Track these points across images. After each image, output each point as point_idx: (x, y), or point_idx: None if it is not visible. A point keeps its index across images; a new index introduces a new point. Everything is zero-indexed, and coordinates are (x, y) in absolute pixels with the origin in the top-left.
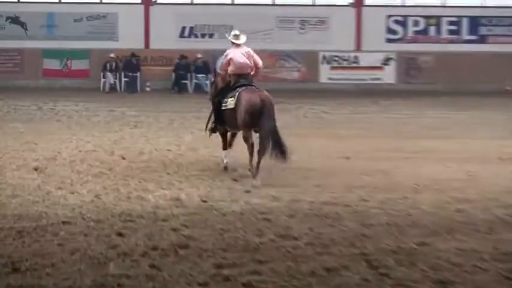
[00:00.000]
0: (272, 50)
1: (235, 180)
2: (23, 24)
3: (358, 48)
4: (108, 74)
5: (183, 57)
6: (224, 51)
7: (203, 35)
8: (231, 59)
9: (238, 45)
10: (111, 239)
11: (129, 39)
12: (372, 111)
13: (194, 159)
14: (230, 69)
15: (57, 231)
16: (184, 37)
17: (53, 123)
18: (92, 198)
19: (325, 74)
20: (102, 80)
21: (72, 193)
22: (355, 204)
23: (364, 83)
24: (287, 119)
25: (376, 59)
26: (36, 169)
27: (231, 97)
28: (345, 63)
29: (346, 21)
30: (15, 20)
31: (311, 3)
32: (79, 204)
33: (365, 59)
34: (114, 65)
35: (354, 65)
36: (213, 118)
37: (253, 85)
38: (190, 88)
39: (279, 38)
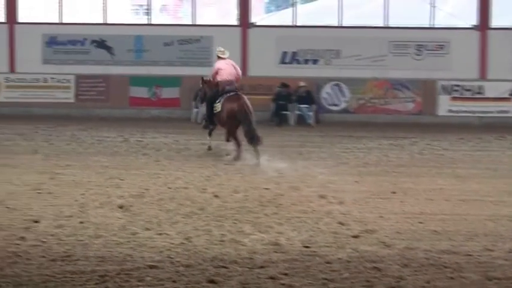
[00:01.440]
0: (384, 78)
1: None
2: (109, 49)
3: (483, 76)
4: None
5: (283, 85)
6: (330, 78)
7: (306, 61)
8: (218, 68)
9: (223, 58)
10: (202, 286)
11: None
12: (498, 148)
13: (296, 199)
14: (218, 77)
15: (143, 276)
16: (285, 63)
17: (140, 157)
18: (182, 241)
19: (445, 106)
20: (194, 109)
21: (160, 234)
22: (477, 254)
23: (489, 116)
24: (400, 156)
25: (503, 88)
26: (121, 207)
27: (218, 102)
28: (467, 94)
29: (468, 46)
30: (101, 44)
31: (429, 26)
32: (167, 247)
33: (491, 89)
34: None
35: (478, 95)
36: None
37: (235, 91)
38: (291, 120)
39: (391, 64)
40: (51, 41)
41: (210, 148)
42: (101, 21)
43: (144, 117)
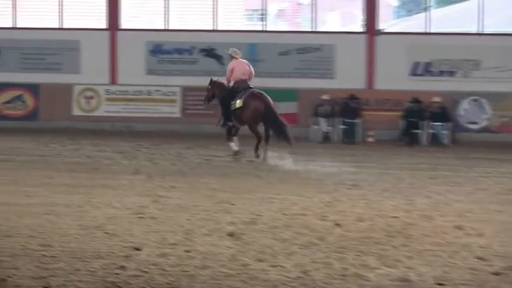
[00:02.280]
0: None
1: None
2: (219, 58)
3: None
4: (321, 119)
5: (415, 100)
6: (469, 93)
7: (441, 73)
8: (233, 68)
9: (236, 59)
10: None
11: (347, 77)
12: None
13: (428, 230)
14: (232, 77)
15: None
16: (417, 75)
17: (252, 179)
18: (299, 274)
19: None
20: (314, 127)
21: (275, 266)
22: None
23: None
24: None
25: None
26: (231, 235)
27: (238, 99)
28: None
29: None
30: (210, 52)
31: None
32: (282, 281)
33: None
34: (328, 109)
35: None
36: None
37: (252, 88)
38: (423, 139)
39: None
40: (156, 50)
41: (236, 154)
42: (211, 28)
43: None
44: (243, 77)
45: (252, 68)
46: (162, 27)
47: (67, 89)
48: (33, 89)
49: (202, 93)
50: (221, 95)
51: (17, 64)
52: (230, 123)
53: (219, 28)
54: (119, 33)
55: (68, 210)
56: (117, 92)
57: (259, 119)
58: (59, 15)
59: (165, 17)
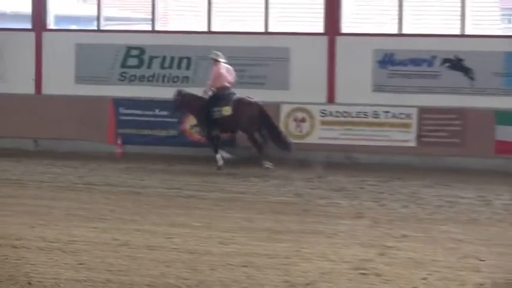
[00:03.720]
0: None
1: None
2: (467, 71)
3: None
4: None
5: None
6: None
7: None
8: (220, 74)
9: (220, 63)
10: None
11: None
12: None
13: None
14: (219, 82)
15: None
16: None
17: (509, 228)
18: None
19: None
20: None
21: None
22: None
23: None
24: None
25: None
26: None
27: (225, 106)
28: None
29: None
30: (456, 64)
31: None
32: None
33: None
34: None
35: None
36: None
37: (235, 93)
38: None
39: None
40: (386, 60)
41: (219, 167)
42: (457, 33)
43: None
44: (228, 85)
45: (234, 75)
46: (394, 32)
47: (273, 108)
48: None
49: (445, 116)
50: (197, 104)
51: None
52: (213, 133)
53: (468, 33)
54: (339, 38)
55: (271, 262)
56: (335, 113)
57: (256, 125)
58: (265, 18)
59: (399, 19)
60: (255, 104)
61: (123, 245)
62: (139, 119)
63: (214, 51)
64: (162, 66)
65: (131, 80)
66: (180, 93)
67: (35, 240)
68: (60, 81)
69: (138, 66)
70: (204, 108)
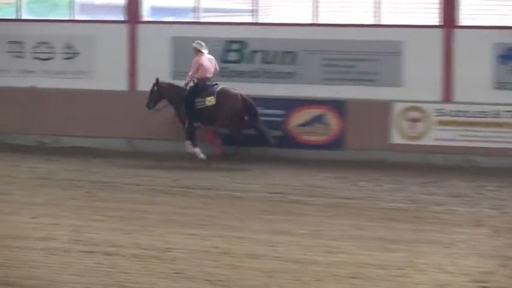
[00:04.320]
0: None
1: None
2: None
3: None
4: None
5: None
6: None
7: None
8: (201, 65)
9: (202, 53)
10: None
11: None
12: None
13: None
14: (199, 73)
15: None
16: None
17: None
18: None
19: None
20: None
21: None
22: None
23: None
24: None
25: None
26: None
27: (208, 96)
28: None
29: None
30: None
31: None
32: None
33: None
34: None
35: None
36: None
37: (217, 84)
38: None
39: None
40: (508, 55)
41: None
42: None
43: None
44: (209, 75)
45: (217, 65)
46: None
47: (383, 107)
48: (339, 107)
49: None
50: (176, 95)
51: (317, 73)
52: (196, 124)
53: None
54: (457, 31)
55: (382, 273)
56: (452, 112)
57: (240, 115)
58: (376, 9)
59: None
60: (238, 95)
61: (222, 253)
62: None
63: (197, 41)
64: (265, 61)
65: (231, 75)
66: (156, 83)
67: (129, 247)
68: (155, 76)
69: (238, 61)
70: (185, 99)
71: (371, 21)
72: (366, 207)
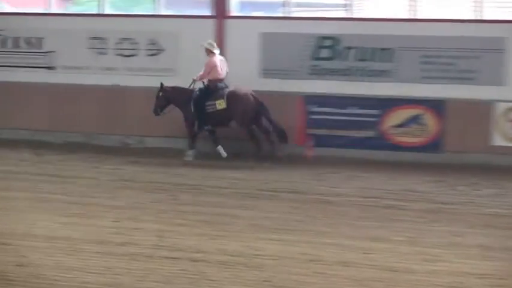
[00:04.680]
0: None
1: None
2: None
3: None
4: None
5: None
6: None
7: None
8: (215, 66)
9: (214, 54)
10: None
11: None
12: None
13: None
14: (212, 75)
15: None
16: None
17: None
18: None
19: None
20: None
21: None
22: None
23: None
24: None
25: None
26: None
27: (218, 99)
28: None
29: None
30: None
31: None
32: None
33: None
34: None
35: None
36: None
37: (228, 86)
38: None
39: None
40: None
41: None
42: None
43: None
44: (221, 77)
45: (227, 67)
46: None
47: (485, 107)
48: (437, 107)
49: None
50: (182, 98)
51: (414, 71)
52: (206, 127)
53: None
54: None
55: (483, 283)
56: None
57: (251, 117)
58: (477, 3)
59: None
60: (249, 95)
61: (313, 261)
62: (332, 117)
63: (209, 41)
64: (359, 59)
65: (323, 73)
66: (161, 89)
67: (216, 253)
68: (242, 74)
69: (331, 58)
70: (195, 101)
71: (472, 17)
72: (465, 213)
